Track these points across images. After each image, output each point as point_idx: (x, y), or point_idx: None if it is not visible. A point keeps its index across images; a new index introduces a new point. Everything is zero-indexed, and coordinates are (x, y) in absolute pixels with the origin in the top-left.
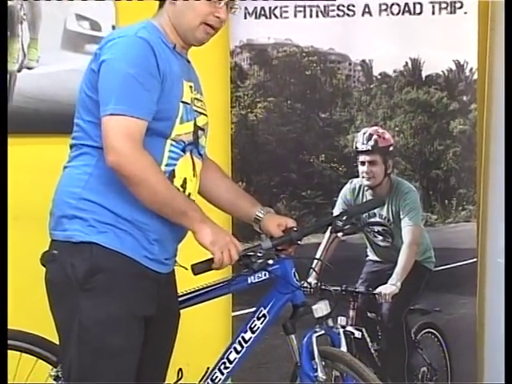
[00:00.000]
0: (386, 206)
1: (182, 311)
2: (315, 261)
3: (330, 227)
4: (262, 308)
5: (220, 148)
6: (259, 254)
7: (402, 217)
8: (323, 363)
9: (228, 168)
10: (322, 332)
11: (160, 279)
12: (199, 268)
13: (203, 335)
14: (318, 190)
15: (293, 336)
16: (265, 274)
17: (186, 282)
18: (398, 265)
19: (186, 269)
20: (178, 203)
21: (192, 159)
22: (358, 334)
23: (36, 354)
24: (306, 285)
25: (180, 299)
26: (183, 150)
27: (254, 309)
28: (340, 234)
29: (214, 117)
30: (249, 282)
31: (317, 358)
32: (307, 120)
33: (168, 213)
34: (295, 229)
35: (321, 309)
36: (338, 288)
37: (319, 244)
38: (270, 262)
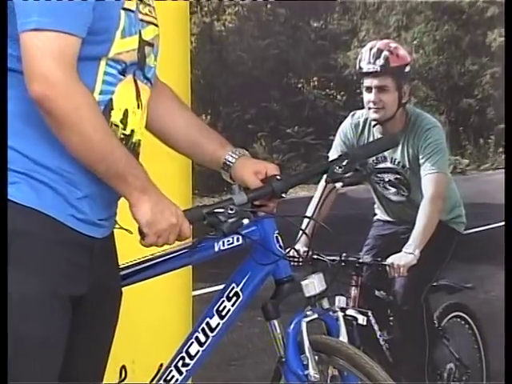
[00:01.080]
0: (400, 148)
1: (124, 289)
2: (305, 220)
3: (325, 175)
4: (233, 284)
5: (176, 69)
6: (230, 212)
7: (421, 161)
8: (316, 358)
9: (187, 96)
10: (315, 316)
11: (93, 246)
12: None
13: (154, 322)
14: (309, 125)
15: (275, 322)
16: (237, 239)
17: (132, 251)
18: (416, 226)
19: (131, 232)
20: (116, 162)
21: (136, 84)
22: (362, 320)
23: None
24: (292, 253)
25: (122, 273)
26: (123, 73)
27: (222, 286)
28: (339, 185)
29: (167, 27)
30: (216, 249)
31: (308, 352)
32: (294, 31)
33: (101, 171)
34: (278, 177)
35: (313, 285)
36: (336, 258)
37: (310, 198)
38: (245, 221)
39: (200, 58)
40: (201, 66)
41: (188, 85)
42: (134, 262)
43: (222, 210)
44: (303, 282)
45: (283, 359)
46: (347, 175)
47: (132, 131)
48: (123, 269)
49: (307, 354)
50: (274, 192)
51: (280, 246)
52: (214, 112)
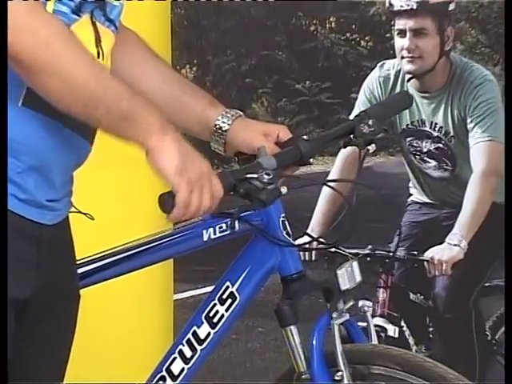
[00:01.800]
0: (442, 109)
1: (86, 292)
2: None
3: (350, 137)
4: (227, 284)
5: (151, 7)
6: (267, 177)
7: (470, 127)
8: (351, 371)
9: (166, 42)
10: (347, 317)
11: (41, 236)
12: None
13: (126, 333)
14: (324, 80)
15: (292, 328)
16: (231, 226)
17: (95, 242)
18: (463, 210)
19: (92, 218)
20: (116, 100)
21: (95, 27)
22: (393, 331)
23: None
24: (302, 241)
25: (80, 271)
26: (77, 11)
27: (211, 288)
28: (372, 148)
29: None
30: (205, 238)
31: (342, 364)
32: None
33: (102, 119)
34: (305, 137)
35: (351, 275)
36: (361, 251)
37: (327, 174)
38: (284, 190)
39: None
40: (184, 3)
41: (168, 26)
42: (97, 257)
43: (254, 176)
44: (339, 272)
45: (304, 375)
46: (379, 136)
47: None
48: (82, 265)
49: (341, 366)
50: (302, 156)
51: (288, 234)
52: (201, 62)
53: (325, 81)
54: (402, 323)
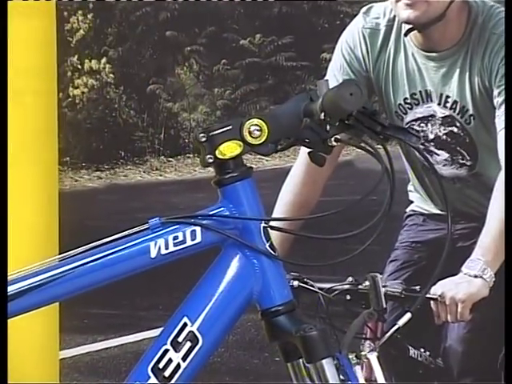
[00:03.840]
0: (456, 74)
1: None
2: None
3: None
4: (184, 320)
5: None
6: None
7: (497, 101)
8: None
9: None
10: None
11: None
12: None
13: None
14: (282, 33)
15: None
16: (192, 235)
17: None
18: (487, 226)
19: None
20: None
21: None
22: None
23: None
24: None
25: None
26: None
27: (119, 339)
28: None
29: None
30: (152, 254)
31: None
32: None
33: None
34: None
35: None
36: (336, 285)
37: (287, 172)
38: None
39: None
40: None
41: None
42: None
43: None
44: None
45: None
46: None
47: None
48: None
49: None
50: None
51: (271, 246)
52: (100, 6)
53: (283, 35)
54: None
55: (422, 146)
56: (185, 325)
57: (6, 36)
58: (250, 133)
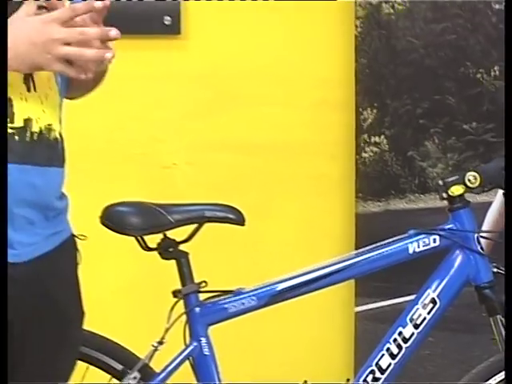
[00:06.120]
0: None
1: (279, 305)
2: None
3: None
4: (428, 291)
5: (339, 57)
6: None
7: None
8: None
9: (351, 87)
10: None
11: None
12: None
13: (312, 340)
14: (489, 121)
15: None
16: (433, 240)
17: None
18: None
19: (84, 238)
20: None
21: None
22: None
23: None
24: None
25: (282, 287)
26: None
27: (389, 302)
28: None
29: (329, 8)
30: (410, 251)
31: None
32: (473, 14)
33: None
34: None
35: None
36: None
37: (489, 204)
38: None
39: (366, 44)
40: (367, 54)
41: (352, 75)
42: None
43: None
44: None
45: None
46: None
47: (27, 121)
48: (283, 281)
49: None
50: None
51: (482, 248)
52: (381, 105)
53: (489, 122)
54: None
55: None
56: (428, 294)
57: (6, 36)
58: (469, 180)
